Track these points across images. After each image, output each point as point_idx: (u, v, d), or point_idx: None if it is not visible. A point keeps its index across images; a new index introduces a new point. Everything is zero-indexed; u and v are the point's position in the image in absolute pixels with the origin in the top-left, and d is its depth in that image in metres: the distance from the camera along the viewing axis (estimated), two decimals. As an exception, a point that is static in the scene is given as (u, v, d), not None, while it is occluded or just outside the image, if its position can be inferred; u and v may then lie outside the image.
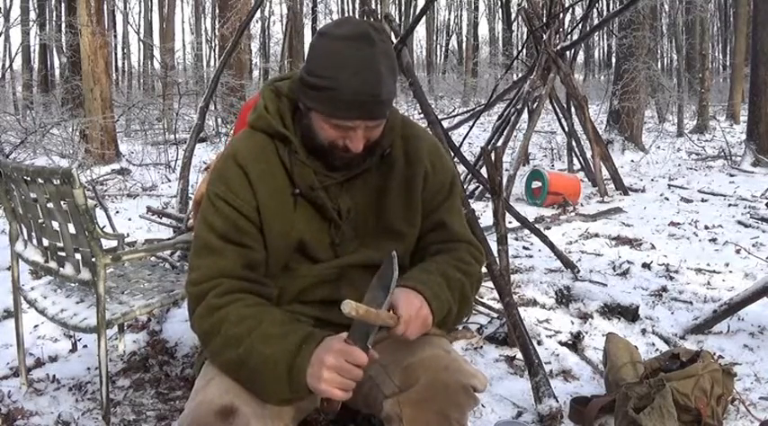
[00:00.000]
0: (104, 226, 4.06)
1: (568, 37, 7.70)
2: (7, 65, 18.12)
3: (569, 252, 4.39)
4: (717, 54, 33.24)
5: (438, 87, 25.06)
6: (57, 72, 17.47)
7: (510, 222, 3.77)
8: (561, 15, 7.15)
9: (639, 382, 2.24)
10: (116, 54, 25.78)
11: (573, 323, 3.21)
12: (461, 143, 7.42)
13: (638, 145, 10.12)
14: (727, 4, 29.66)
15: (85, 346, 2.95)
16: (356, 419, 1.55)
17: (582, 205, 6.43)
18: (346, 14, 32.37)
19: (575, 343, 2.95)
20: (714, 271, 4.11)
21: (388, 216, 1.45)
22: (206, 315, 1.32)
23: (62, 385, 2.60)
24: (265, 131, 1.41)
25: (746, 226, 5.43)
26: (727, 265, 4.24)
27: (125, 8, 23.42)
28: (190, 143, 4.41)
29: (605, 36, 29.93)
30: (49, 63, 18.38)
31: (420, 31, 33.96)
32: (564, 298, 3.47)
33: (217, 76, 4.48)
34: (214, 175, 1.42)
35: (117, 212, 5.84)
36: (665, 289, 3.74)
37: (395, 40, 3.35)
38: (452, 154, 3.18)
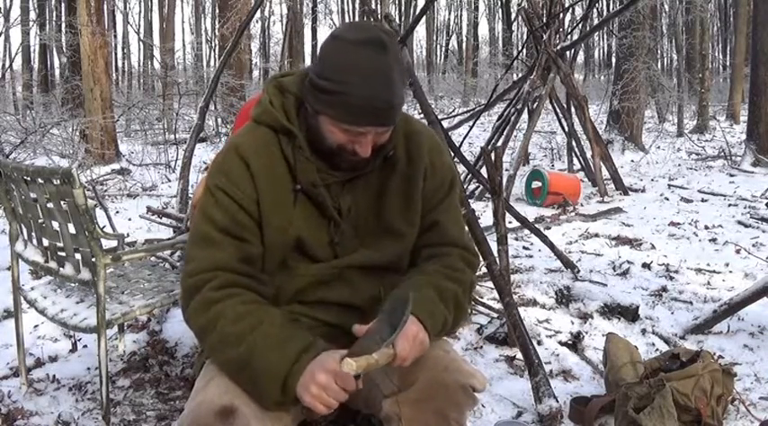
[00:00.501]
0: (104, 226, 4.06)
1: (568, 37, 7.70)
2: (7, 65, 18.14)
3: (569, 252, 4.39)
4: (717, 54, 33.24)
5: (438, 87, 25.06)
6: (57, 72, 17.47)
7: (510, 222, 3.77)
8: (561, 15, 7.16)
9: (639, 382, 2.24)
10: (116, 54, 25.78)
11: (573, 323, 3.21)
12: (461, 143, 7.42)
13: (638, 145, 10.12)
14: (727, 4, 29.66)
15: (85, 346, 2.95)
16: (356, 419, 1.55)
17: (582, 205, 6.43)
18: (346, 14, 32.39)
19: (575, 343, 2.95)
20: (714, 271, 4.11)
21: (388, 215, 1.44)
22: (201, 309, 1.31)
23: (62, 385, 2.60)
24: (270, 125, 1.40)
25: (746, 226, 5.43)
26: (727, 265, 4.24)
27: (125, 8, 23.45)
28: (190, 143, 4.41)
29: (605, 36, 29.94)
30: (49, 63, 18.38)
31: (420, 31, 33.98)
32: (564, 298, 3.47)
33: (217, 76, 4.48)
34: (215, 167, 1.41)
35: (117, 212, 5.84)
36: (665, 289, 3.74)
37: (395, 40, 3.35)
38: (452, 154, 3.18)
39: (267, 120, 1.40)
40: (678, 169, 8.81)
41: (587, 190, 6.99)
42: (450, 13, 36.72)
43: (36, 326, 3.12)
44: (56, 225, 2.21)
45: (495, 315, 3.16)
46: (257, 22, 21.38)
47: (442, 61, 35.31)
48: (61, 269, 2.26)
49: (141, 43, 22.73)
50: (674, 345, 2.94)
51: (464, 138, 7.82)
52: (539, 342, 2.92)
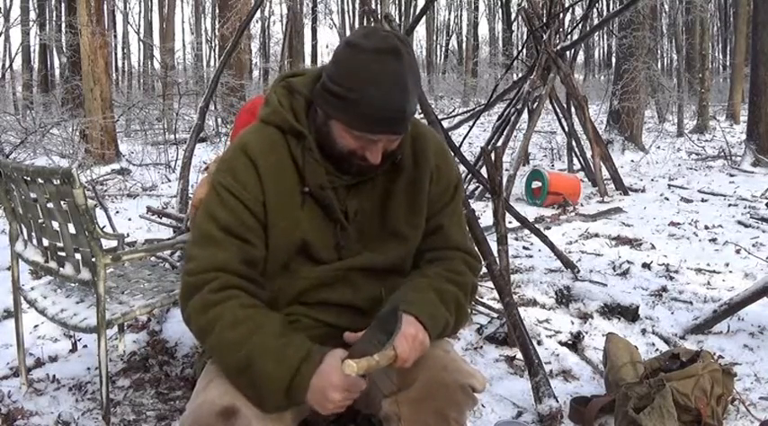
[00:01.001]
0: (104, 226, 4.06)
1: (568, 37, 7.70)
2: (7, 65, 18.14)
3: (569, 252, 4.39)
4: (717, 54, 33.24)
5: (438, 87, 25.07)
6: (57, 72, 17.47)
7: (510, 222, 3.77)
8: (561, 15, 7.15)
9: (639, 382, 2.24)
10: (116, 54, 25.78)
11: (573, 323, 3.21)
12: (461, 143, 7.42)
13: (638, 145, 10.12)
14: (727, 4, 29.66)
15: (85, 346, 2.95)
16: (356, 419, 1.55)
17: (582, 205, 6.43)
18: (346, 14, 32.40)
19: (575, 343, 2.95)
20: (714, 271, 4.11)
21: (393, 219, 1.44)
22: (200, 310, 1.31)
23: (62, 385, 2.60)
24: (279, 126, 1.39)
25: (746, 226, 5.43)
26: (727, 265, 4.24)
27: (125, 8, 23.45)
28: (190, 143, 4.41)
29: (605, 36, 29.94)
30: (49, 63, 18.38)
31: (420, 31, 33.98)
32: (564, 298, 3.47)
33: (217, 76, 4.48)
34: (222, 165, 1.40)
35: (117, 212, 5.84)
36: (665, 289, 3.74)
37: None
38: (452, 154, 3.18)
39: (276, 121, 1.39)
40: (678, 169, 8.81)
41: (587, 190, 6.99)
42: (450, 13, 36.77)
43: (36, 326, 3.12)
44: (56, 225, 2.21)
45: (495, 315, 3.16)
46: (257, 22, 21.38)
47: (442, 61, 35.32)
48: (61, 269, 2.26)
49: (141, 43, 22.73)
50: (674, 345, 2.94)
51: (464, 138, 7.83)
52: (539, 342, 2.92)
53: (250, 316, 1.29)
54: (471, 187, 6.64)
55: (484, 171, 3.00)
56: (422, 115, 3.29)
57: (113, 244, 2.81)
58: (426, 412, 1.32)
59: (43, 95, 14.39)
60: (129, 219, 5.54)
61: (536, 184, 6.55)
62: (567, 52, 7.36)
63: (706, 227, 5.37)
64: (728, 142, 10.01)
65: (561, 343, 2.95)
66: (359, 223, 1.43)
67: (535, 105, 6.90)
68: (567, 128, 7.51)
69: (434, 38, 35.57)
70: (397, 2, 29.22)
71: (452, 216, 1.50)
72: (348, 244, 1.42)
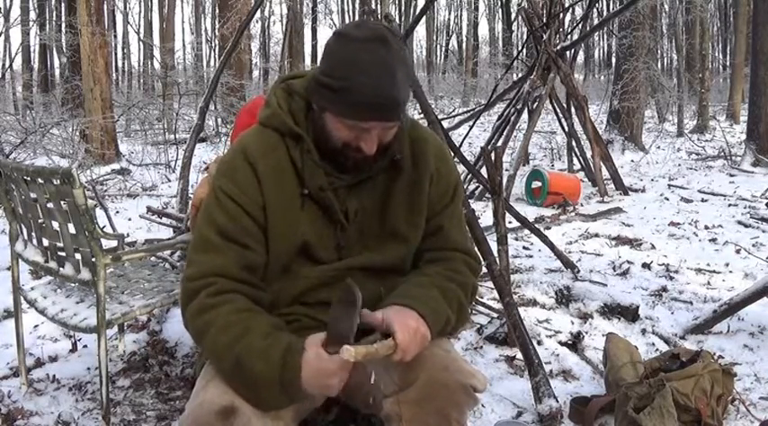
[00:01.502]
0: (104, 226, 4.06)
1: (568, 37, 7.70)
2: (7, 65, 18.15)
3: (569, 252, 4.39)
4: (717, 54, 33.26)
5: (438, 87, 25.06)
6: (57, 72, 17.47)
7: (510, 222, 3.77)
8: (561, 15, 7.15)
9: (639, 382, 2.24)
10: (116, 54, 25.78)
11: (573, 323, 3.21)
12: (461, 143, 7.42)
13: (638, 145, 10.12)
14: (727, 4, 29.66)
15: (85, 346, 2.95)
16: (356, 419, 1.55)
17: (582, 205, 6.43)
18: (346, 14, 32.40)
19: (575, 343, 2.95)
20: (714, 271, 4.11)
21: (393, 219, 1.44)
22: (197, 314, 1.32)
23: (62, 385, 2.60)
24: (277, 129, 1.40)
25: (746, 226, 5.43)
26: (727, 265, 4.24)
27: (125, 8, 23.46)
28: (190, 143, 4.41)
29: (605, 36, 29.95)
30: (49, 63, 18.39)
31: (420, 31, 34.00)
32: (564, 298, 3.47)
33: (217, 76, 4.48)
34: (221, 169, 1.40)
35: (117, 212, 5.84)
36: (665, 289, 3.74)
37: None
38: (452, 154, 3.18)
39: (274, 123, 1.40)
40: (678, 169, 8.81)
41: (587, 190, 6.99)
42: (450, 13, 36.76)
43: (36, 326, 3.12)
44: (56, 225, 2.21)
45: (495, 315, 3.16)
46: (257, 22, 21.38)
47: (442, 61, 35.32)
48: (61, 269, 2.26)
49: (141, 43, 22.73)
50: (674, 345, 2.94)
51: (464, 138, 7.83)
52: (539, 342, 2.92)
53: (241, 320, 1.30)
54: (471, 187, 6.64)
55: (484, 171, 3.00)
56: (422, 115, 3.29)
57: (113, 244, 2.81)
58: (428, 412, 1.32)
59: (43, 95, 14.39)
60: (129, 219, 5.54)
61: (536, 184, 6.55)
62: (567, 52, 7.35)
63: (706, 227, 5.37)
64: (728, 142, 10.00)
65: (561, 343, 2.95)
66: (359, 223, 1.43)
67: (535, 105, 6.90)
68: (567, 128, 7.51)
69: (434, 38, 35.56)
70: (397, 2, 29.22)
71: (452, 217, 1.50)
72: (348, 244, 1.43)
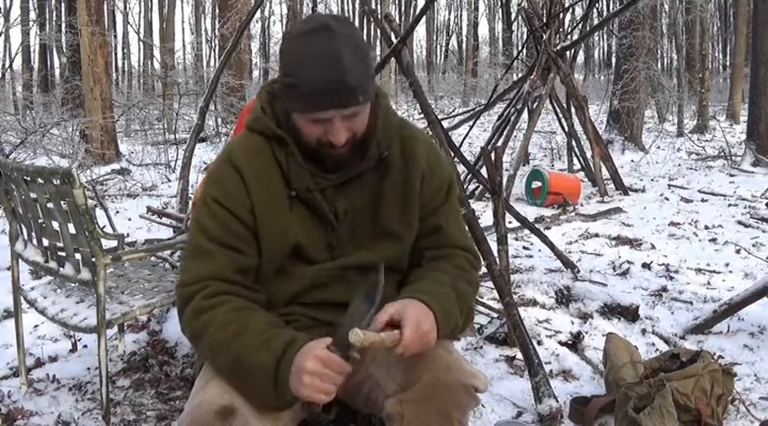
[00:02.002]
0: (104, 226, 4.06)
1: (568, 37, 7.70)
2: (7, 65, 18.15)
3: (569, 253, 4.39)
4: (717, 54, 33.24)
5: (438, 87, 25.05)
6: (57, 72, 17.47)
7: (510, 222, 3.77)
8: (561, 15, 7.16)
9: (639, 382, 2.24)
10: (116, 54, 25.76)
11: (573, 323, 3.21)
12: (461, 143, 7.42)
13: (638, 145, 10.12)
14: (727, 4, 29.65)
15: (85, 346, 2.95)
16: (356, 419, 1.55)
17: (582, 205, 6.43)
18: (346, 14, 32.39)
19: (575, 343, 2.95)
20: (714, 271, 4.11)
21: (385, 217, 1.44)
22: (193, 317, 1.32)
23: (62, 385, 2.60)
24: (262, 132, 1.41)
25: (746, 226, 5.43)
26: (727, 265, 4.24)
27: (125, 8, 23.43)
28: (190, 143, 4.41)
29: (605, 36, 29.93)
30: (49, 63, 18.38)
31: (420, 31, 34.01)
32: (564, 298, 3.47)
33: (217, 76, 4.48)
34: (209, 176, 1.42)
35: (117, 212, 5.84)
36: (665, 289, 3.74)
37: (395, 40, 3.35)
38: (452, 154, 3.18)
39: (259, 127, 1.41)
40: (678, 169, 8.80)
41: (587, 190, 6.99)
42: (450, 13, 36.75)
43: (36, 326, 3.12)
44: (56, 225, 2.21)
45: (495, 315, 3.16)
46: (257, 22, 21.39)
47: (442, 61, 35.31)
48: (61, 269, 2.26)
49: (141, 43, 22.73)
50: (674, 345, 2.94)
51: (464, 138, 7.82)
52: (539, 342, 2.92)
53: (239, 317, 1.30)
54: (471, 187, 6.64)
55: (484, 171, 3.00)
56: (422, 115, 3.29)
57: (113, 244, 2.81)
58: (429, 413, 1.32)
59: (43, 95, 14.39)
60: (129, 219, 5.54)
61: (536, 184, 6.55)
62: (567, 52, 7.35)
63: (706, 227, 5.37)
64: (728, 142, 10.00)
65: (561, 343, 2.95)
66: (350, 222, 1.43)
67: (535, 105, 6.90)
68: (567, 128, 7.51)
69: (434, 38, 35.57)
70: (397, 2, 29.21)
71: (449, 215, 1.50)
72: (340, 243, 1.43)
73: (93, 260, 2.10)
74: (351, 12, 31.43)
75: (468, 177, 6.10)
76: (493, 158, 2.80)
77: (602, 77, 26.35)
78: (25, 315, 2.79)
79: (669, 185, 7.52)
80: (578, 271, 3.95)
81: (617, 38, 10.75)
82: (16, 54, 17.85)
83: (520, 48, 14.28)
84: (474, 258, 1.52)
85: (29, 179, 2.18)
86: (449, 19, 36.86)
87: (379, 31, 3.65)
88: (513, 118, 6.90)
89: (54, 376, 2.65)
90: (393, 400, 1.34)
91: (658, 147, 10.66)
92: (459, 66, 28.93)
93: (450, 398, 1.32)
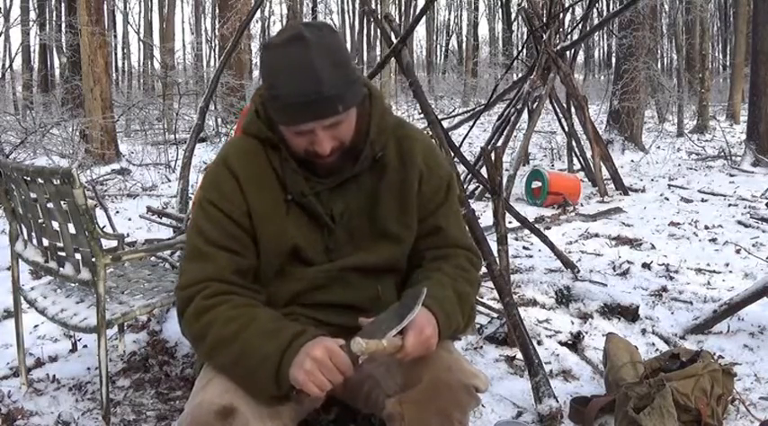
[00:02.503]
0: (104, 226, 4.06)
1: (568, 37, 7.71)
2: (7, 65, 18.14)
3: (569, 253, 4.39)
4: (717, 54, 33.23)
5: (438, 87, 25.04)
6: (57, 72, 17.47)
7: (510, 222, 3.77)
8: (561, 15, 7.15)
9: (639, 382, 2.24)
10: (116, 54, 25.75)
11: (573, 323, 3.21)
12: (461, 143, 7.41)
13: (638, 145, 10.12)
14: (727, 4, 29.65)
15: (85, 346, 2.95)
16: (356, 419, 1.55)
17: (582, 205, 6.43)
18: (346, 14, 32.43)
19: (575, 343, 2.95)
20: (714, 271, 4.11)
21: (383, 218, 1.44)
22: (194, 317, 1.32)
23: (62, 385, 2.60)
24: (257, 136, 1.41)
25: (746, 226, 5.43)
26: (727, 265, 4.24)
27: (125, 8, 23.44)
28: (190, 143, 4.41)
29: (605, 36, 29.92)
30: (49, 63, 18.37)
31: (420, 31, 34.00)
32: (564, 298, 3.47)
33: (217, 76, 4.47)
34: (206, 179, 1.42)
35: (117, 212, 5.84)
36: (665, 289, 3.74)
37: (395, 40, 3.35)
38: (452, 154, 3.18)
39: (253, 131, 1.41)
40: (678, 169, 8.80)
41: (587, 190, 6.99)
42: (450, 13, 36.74)
43: (36, 326, 3.12)
44: (56, 225, 2.21)
45: (495, 315, 3.16)
46: (257, 22, 21.34)
47: (442, 61, 35.29)
48: (61, 269, 2.26)
49: (141, 43, 22.72)
50: (674, 345, 2.94)
51: (464, 138, 7.82)
52: (539, 342, 2.92)
53: (243, 313, 1.31)
54: (471, 187, 6.64)
55: (484, 171, 3.00)
56: (422, 115, 3.28)
57: (113, 244, 2.81)
58: (430, 413, 1.32)
59: (43, 95, 14.38)
60: (129, 219, 5.54)
61: (536, 184, 6.55)
62: (567, 52, 7.35)
63: (706, 227, 5.37)
64: (728, 142, 10.00)
65: (561, 343, 2.95)
66: (347, 224, 1.43)
67: (535, 105, 6.90)
68: (567, 128, 7.51)
69: (434, 38, 35.56)
70: (397, 2, 29.20)
71: (449, 215, 1.50)
72: (337, 246, 1.43)
73: (93, 260, 2.10)
74: (351, 12, 31.46)
75: (468, 177, 6.10)
76: (493, 158, 2.80)
77: (602, 77, 26.35)
78: (25, 315, 2.79)
79: (669, 185, 7.52)
80: (578, 271, 3.95)
81: (617, 38, 10.75)
82: (16, 54, 17.86)
83: (520, 48, 14.27)
84: (475, 256, 1.52)
85: (29, 179, 2.18)
86: (449, 19, 36.87)
87: (379, 31, 3.64)
88: (513, 118, 6.90)
89: (54, 376, 2.65)
90: (393, 400, 1.34)
91: (658, 147, 10.65)
92: (459, 66, 28.92)
93: (450, 398, 1.32)
